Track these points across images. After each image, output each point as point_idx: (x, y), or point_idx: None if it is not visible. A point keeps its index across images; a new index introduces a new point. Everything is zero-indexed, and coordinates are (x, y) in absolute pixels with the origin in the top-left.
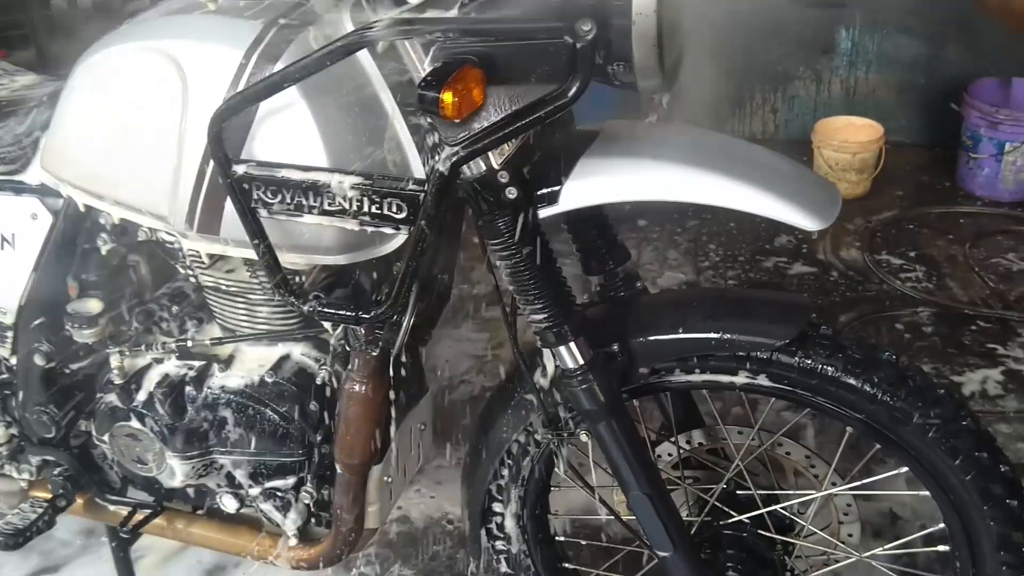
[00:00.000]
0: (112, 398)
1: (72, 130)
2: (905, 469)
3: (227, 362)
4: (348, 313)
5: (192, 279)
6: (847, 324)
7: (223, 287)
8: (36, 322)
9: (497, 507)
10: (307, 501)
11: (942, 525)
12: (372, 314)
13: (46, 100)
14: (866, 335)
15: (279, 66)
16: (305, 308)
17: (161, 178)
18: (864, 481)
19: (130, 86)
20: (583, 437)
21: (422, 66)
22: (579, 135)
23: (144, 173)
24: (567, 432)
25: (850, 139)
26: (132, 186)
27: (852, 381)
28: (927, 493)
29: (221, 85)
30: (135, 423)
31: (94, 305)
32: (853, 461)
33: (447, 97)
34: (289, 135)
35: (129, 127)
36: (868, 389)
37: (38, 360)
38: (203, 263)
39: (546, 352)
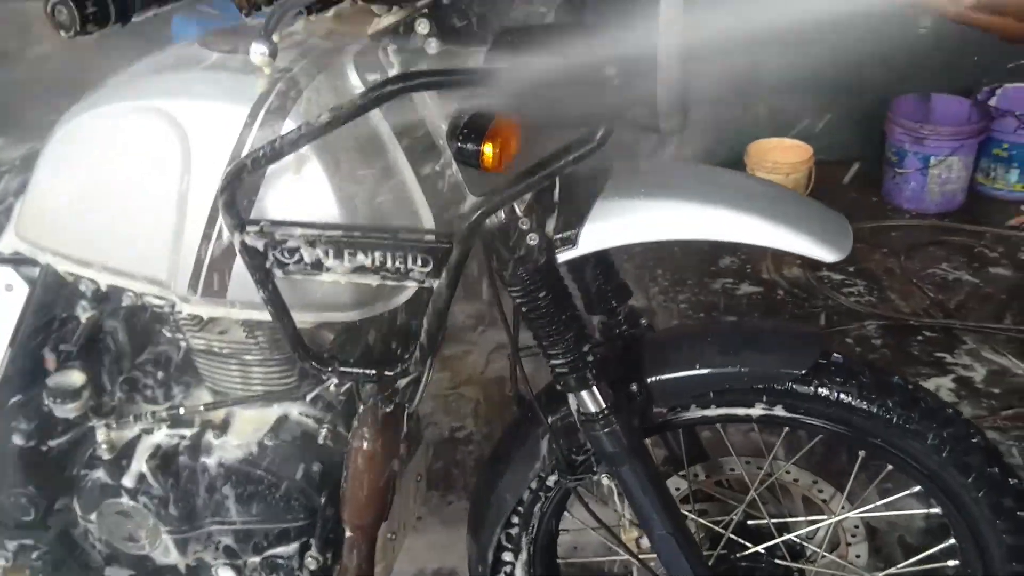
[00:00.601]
0: (100, 474)
1: (54, 195)
2: (918, 488)
3: (222, 427)
4: (372, 371)
5: (182, 342)
6: None
7: (215, 349)
8: (13, 400)
9: (507, 556)
10: (312, 567)
11: (952, 541)
12: (397, 370)
13: (18, 164)
14: None
15: (288, 122)
16: (328, 371)
17: (160, 242)
18: (877, 503)
19: (124, 147)
20: (604, 480)
21: (443, 117)
22: (591, 176)
23: (140, 237)
24: (589, 476)
25: (781, 160)
26: (125, 251)
27: (867, 407)
28: (938, 511)
29: (226, 144)
30: (126, 499)
31: (76, 377)
32: (857, 483)
33: (488, 149)
34: (300, 191)
35: (123, 190)
36: (883, 414)
37: (16, 440)
38: (194, 326)
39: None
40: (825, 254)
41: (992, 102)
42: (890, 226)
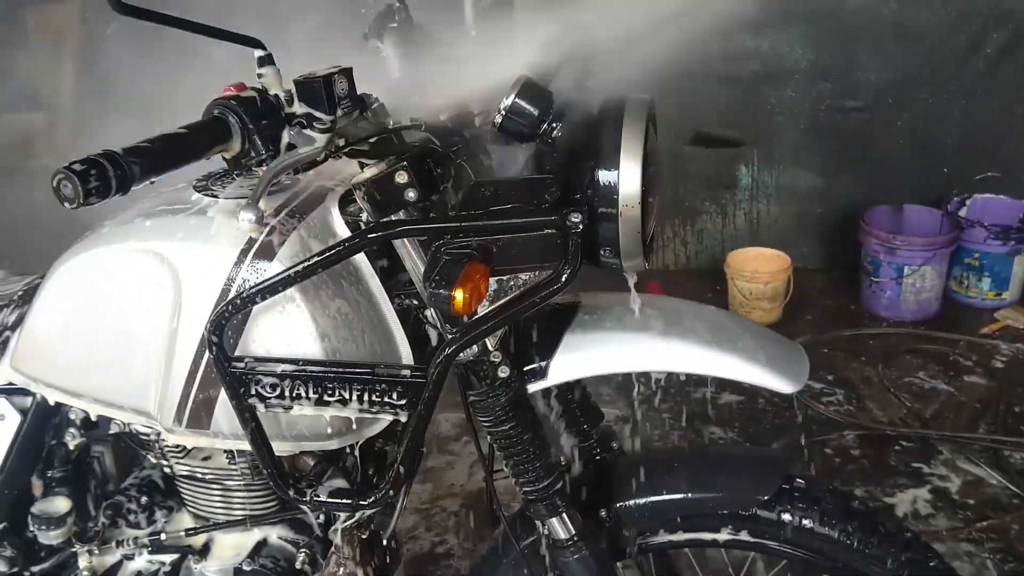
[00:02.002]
0: None
1: (51, 330)
2: None
3: (202, 552)
4: (347, 502)
5: (166, 468)
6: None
7: (198, 475)
8: None
9: None
10: None
11: None
12: (372, 500)
13: (17, 299)
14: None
15: (275, 263)
16: (305, 501)
17: (149, 376)
18: None
19: (120, 287)
20: None
21: (421, 262)
22: (560, 309)
23: (130, 371)
24: None
25: (760, 269)
26: (116, 384)
27: (828, 532)
28: None
29: (215, 285)
30: None
31: (62, 504)
32: None
33: (459, 295)
34: (283, 328)
35: (117, 327)
36: (844, 539)
37: (0, 567)
38: (178, 453)
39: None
40: (783, 386)
41: (962, 212)
42: (867, 334)
